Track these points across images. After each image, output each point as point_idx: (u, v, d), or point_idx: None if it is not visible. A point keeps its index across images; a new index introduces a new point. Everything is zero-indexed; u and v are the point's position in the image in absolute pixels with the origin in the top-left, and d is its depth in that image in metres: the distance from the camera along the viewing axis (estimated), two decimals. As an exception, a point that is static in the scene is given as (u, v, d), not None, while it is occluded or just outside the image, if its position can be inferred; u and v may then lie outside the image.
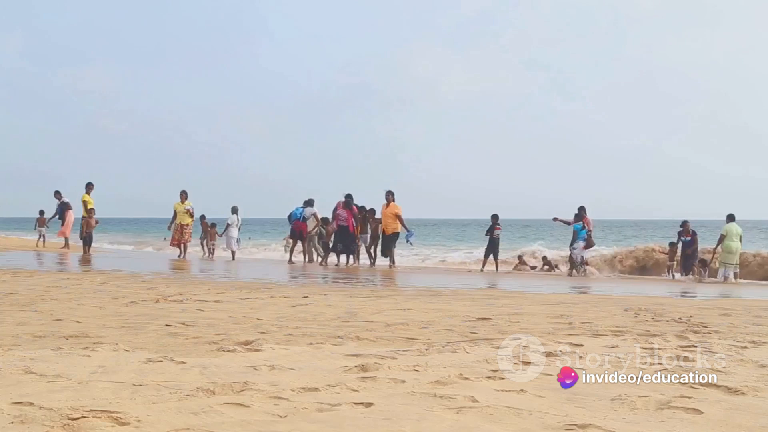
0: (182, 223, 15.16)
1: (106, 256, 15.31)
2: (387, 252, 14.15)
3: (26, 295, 6.23)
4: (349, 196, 14.34)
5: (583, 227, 13.92)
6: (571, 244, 13.87)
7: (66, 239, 16.89)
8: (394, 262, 14.06)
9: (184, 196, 15.25)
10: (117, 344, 3.67)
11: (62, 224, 16.78)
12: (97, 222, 15.25)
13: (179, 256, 15.42)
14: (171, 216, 15.46)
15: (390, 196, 13.98)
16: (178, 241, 15.33)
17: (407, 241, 14.19)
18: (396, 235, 14.01)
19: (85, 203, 15.02)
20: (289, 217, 14.74)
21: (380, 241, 14.32)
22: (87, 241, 14.94)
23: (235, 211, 15.60)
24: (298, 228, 14.51)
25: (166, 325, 4.49)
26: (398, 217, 13.88)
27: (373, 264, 14.40)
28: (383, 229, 14.09)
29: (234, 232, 15.57)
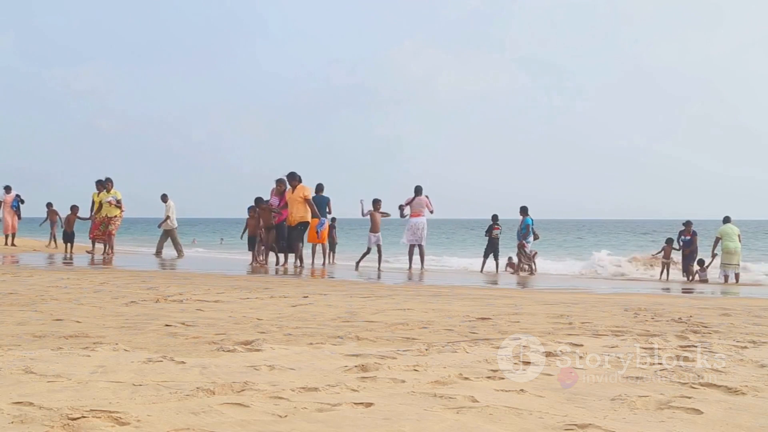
0: (109, 215, 14.53)
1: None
2: (293, 247, 11.74)
3: (26, 294, 6.22)
4: (281, 181, 11.96)
5: (532, 221, 14.15)
6: (526, 238, 14.07)
7: (11, 235, 17.43)
8: (302, 262, 11.85)
9: (110, 184, 14.56)
10: (117, 344, 3.67)
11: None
12: (90, 219, 15.07)
13: (90, 251, 14.90)
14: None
15: (295, 179, 11.53)
16: (102, 233, 14.59)
17: (316, 231, 11.90)
18: (304, 225, 11.59)
19: (93, 203, 15.13)
20: None
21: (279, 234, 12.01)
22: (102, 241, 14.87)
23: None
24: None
25: (166, 325, 4.49)
26: (307, 201, 11.46)
27: (278, 261, 12.31)
28: (289, 220, 11.66)
29: None
